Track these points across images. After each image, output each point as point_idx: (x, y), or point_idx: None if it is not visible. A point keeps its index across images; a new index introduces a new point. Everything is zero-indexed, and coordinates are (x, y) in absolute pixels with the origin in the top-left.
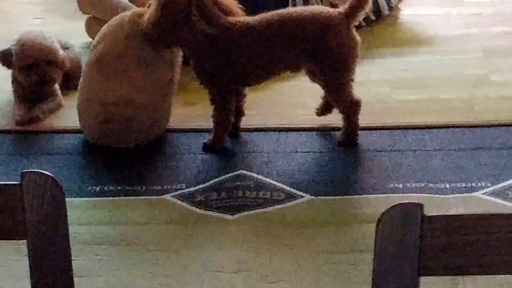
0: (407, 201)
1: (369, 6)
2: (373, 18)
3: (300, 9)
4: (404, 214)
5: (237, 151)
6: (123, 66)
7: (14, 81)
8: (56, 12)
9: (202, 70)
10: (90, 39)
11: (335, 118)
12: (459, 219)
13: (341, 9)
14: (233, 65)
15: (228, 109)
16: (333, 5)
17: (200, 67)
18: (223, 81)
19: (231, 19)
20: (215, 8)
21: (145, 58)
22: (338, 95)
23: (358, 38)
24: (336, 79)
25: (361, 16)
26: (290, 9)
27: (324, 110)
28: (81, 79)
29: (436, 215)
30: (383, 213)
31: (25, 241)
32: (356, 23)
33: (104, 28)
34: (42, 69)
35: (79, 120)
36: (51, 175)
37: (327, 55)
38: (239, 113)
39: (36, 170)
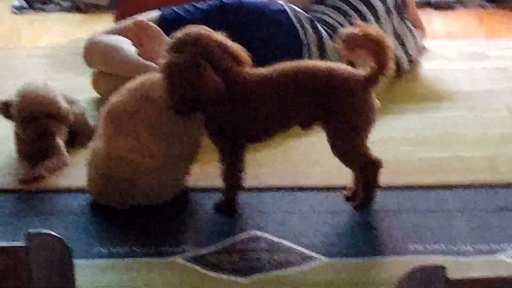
0: (429, 263)
1: (391, 70)
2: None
3: (319, 63)
4: (426, 277)
5: (250, 211)
6: (133, 126)
7: (15, 135)
8: (62, 66)
9: (214, 126)
10: (97, 94)
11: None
12: (484, 282)
13: (363, 71)
14: (247, 119)
15: (239, 167)
16: (351, 63)
17: (212, 123)
18: (235, 137)
19: (243, 70)
20: (228, 58)
21: (159, 127)
22: (349, 159)
23: (376, 104)
24: (345, 143)
25: (382, 80)
26: (309, 61)
27: (354, 195)
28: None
29: (460, 278)
30: (404, 275)
31: None
32: (377, 87)
33: (128, 84)
34: (42, 122)
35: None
36: (60, 236)
37: (337, 116)
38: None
39: (44, 231)
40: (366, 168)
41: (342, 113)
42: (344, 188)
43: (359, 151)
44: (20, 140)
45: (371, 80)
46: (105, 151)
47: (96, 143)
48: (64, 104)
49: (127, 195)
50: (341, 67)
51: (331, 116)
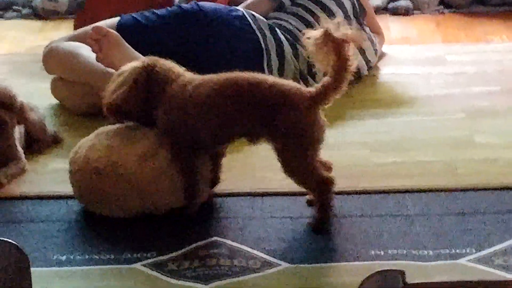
0: (387, 268)
1: (344, 90)
2: (351, 78)
3: (266, 77)
4: (385, 282)
5: (210, 217)
6: (145, 147)
7: None
8: (21, 73)
9: (164, 132)
10: (56, 101)
11: None
12: (443, 287)
13: (312, 88)
14: (188, 126)
15: (192, 174)
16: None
17: (159, 128)
18: (179, 143)
19: (188, 76)
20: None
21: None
22: (299, 178)
23: (323, 123)
24: (292, 161)
25: (333, 98)
26: (251, 74)
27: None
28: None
29: (418, 283)
30: (363, 280)
31: None
32: (326, 105)
33: None
34: None
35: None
36: (16, 243)
37: (281, 133)
38: (214, 179)
39: (1, 238)
40: (317, 188)
41: (286, 130)
42: (304, 194)
43: (308, 170)
44: None
45: (318, 98)
46: (106, 152)
47: (99, 135)
48: (20, 99)
49: (97, 200)
50: (288, 83)
51: (275, 133)
